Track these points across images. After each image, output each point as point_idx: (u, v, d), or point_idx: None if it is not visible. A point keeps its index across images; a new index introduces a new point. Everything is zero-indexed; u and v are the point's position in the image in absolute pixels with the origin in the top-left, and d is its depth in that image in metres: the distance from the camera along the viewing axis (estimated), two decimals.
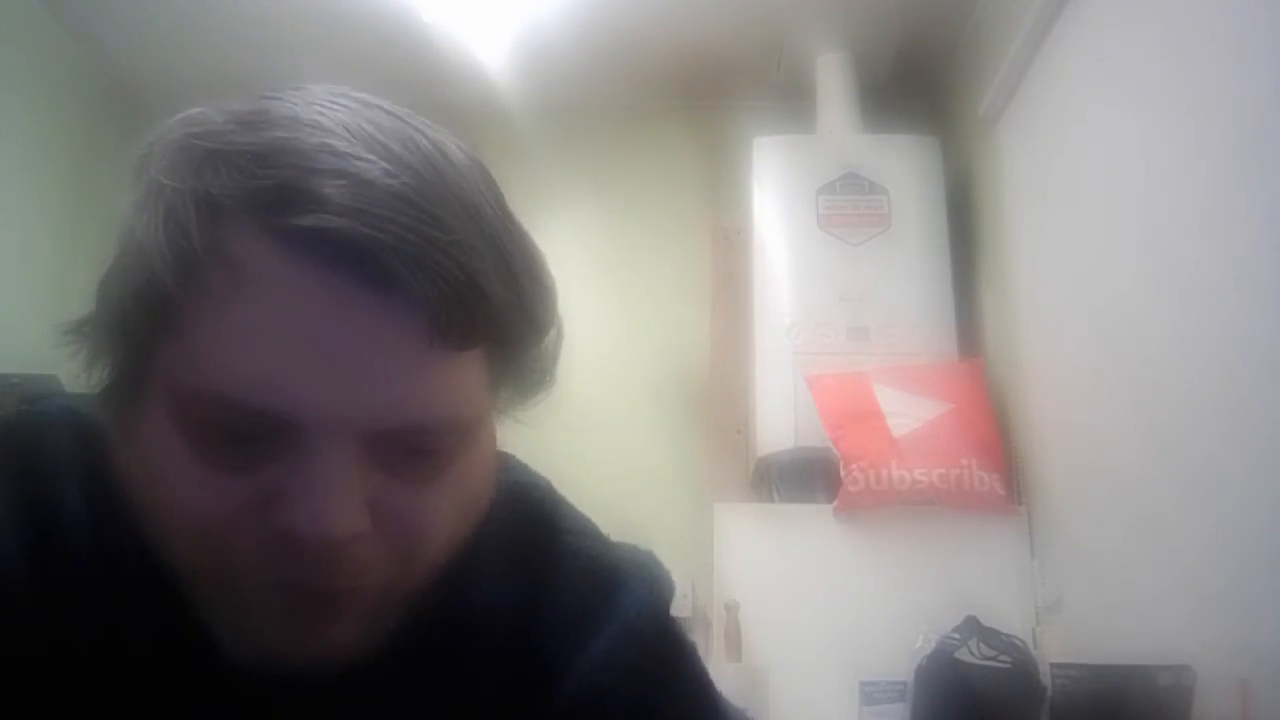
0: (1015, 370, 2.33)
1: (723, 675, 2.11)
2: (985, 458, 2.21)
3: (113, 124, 2.98)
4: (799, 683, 2.06)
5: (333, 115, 0.52)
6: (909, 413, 2.29)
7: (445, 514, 0.55)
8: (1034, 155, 2.25)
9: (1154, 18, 1.68)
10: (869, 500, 2.20)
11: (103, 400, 0.54)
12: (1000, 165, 2.45)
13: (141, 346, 0.52)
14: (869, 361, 2.40)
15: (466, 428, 0.54)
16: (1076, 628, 1.96)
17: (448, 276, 0.49)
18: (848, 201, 2.59)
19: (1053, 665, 1.68)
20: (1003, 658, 1.88)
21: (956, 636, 1.92)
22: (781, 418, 2.45)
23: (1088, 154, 1.95)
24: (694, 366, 2.90)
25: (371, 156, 0.50)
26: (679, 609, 2.84)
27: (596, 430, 2.80)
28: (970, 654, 1.90)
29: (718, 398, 2.85)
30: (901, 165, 2.63)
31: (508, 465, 0.65)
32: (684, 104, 3.08)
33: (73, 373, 0.56)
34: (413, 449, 0.52)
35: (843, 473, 2.23)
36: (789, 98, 2.89)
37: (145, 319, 0.51)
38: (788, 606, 2.17)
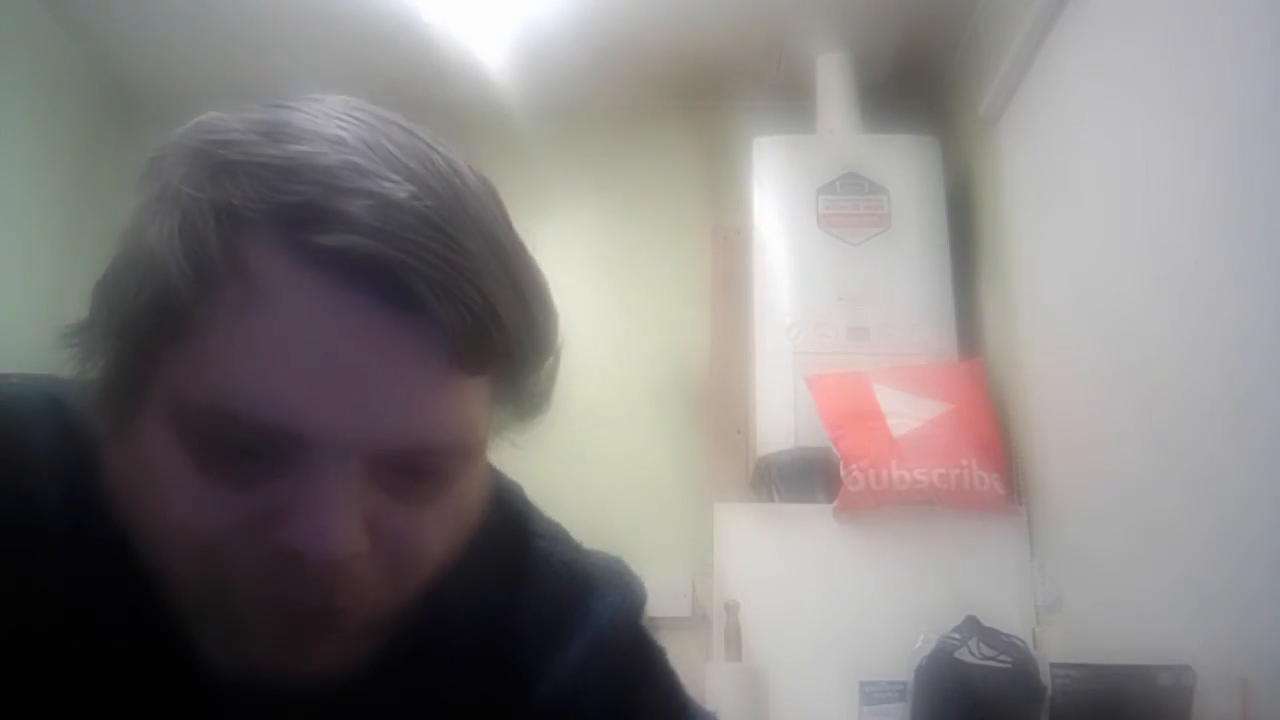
0: (1015, 370, 2.33)
1: (723, 675, 2.13)
2: (985, 458, 2.21)
3: (113, 124, 2.98)
4: (799, 683, 2.06)
5: (353, 131, 0.52)
6: (909, 413, 2.29)
7: (441, 535, 0.55)
8: (1034, 155, 2.25)
9: (1154, 18, 1.68)
10: (869, 500, 2.19)
11: (95, 402, 0.53)
12: (1000, 165, 2.45)
13: (146, 353, 0.51)
14: (869, 361, 2.40)
15: (470, 451, 0.54)
16: (1076, 628, 1.95)
17: (469, 303, 0.49)
18: (848, 201, 2.59)
19: (1053, 665, 1.68)
20: (1003, 658, 1.88)
21: (956, 636, 1.92)
22: (781, 418, 2.45)
23: (1088, 154, 1.95)
24: (694, 366, 2.90)
25: (396, 177, 0.50)
26: (679, 609, 2.87)
27: (596, 430, 2.80)
28: (970, 654, 1.90)
29: (718, 398, 2.85)
30: (901, 165, 2.63)
31: None
32: (684, 104, 3.08)
33: (73, 375, 0.54)
34: (416, 470, 0.52)
35: (843, 473, 2.23)
36: (789, 98, 2.89)
37: (154, 326, 0.50)
38: (788, 606, 2.17)
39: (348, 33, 2.74)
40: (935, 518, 2.18)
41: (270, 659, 0.53)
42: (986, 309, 2.56)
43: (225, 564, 0.50)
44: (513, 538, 0.65)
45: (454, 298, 0.49)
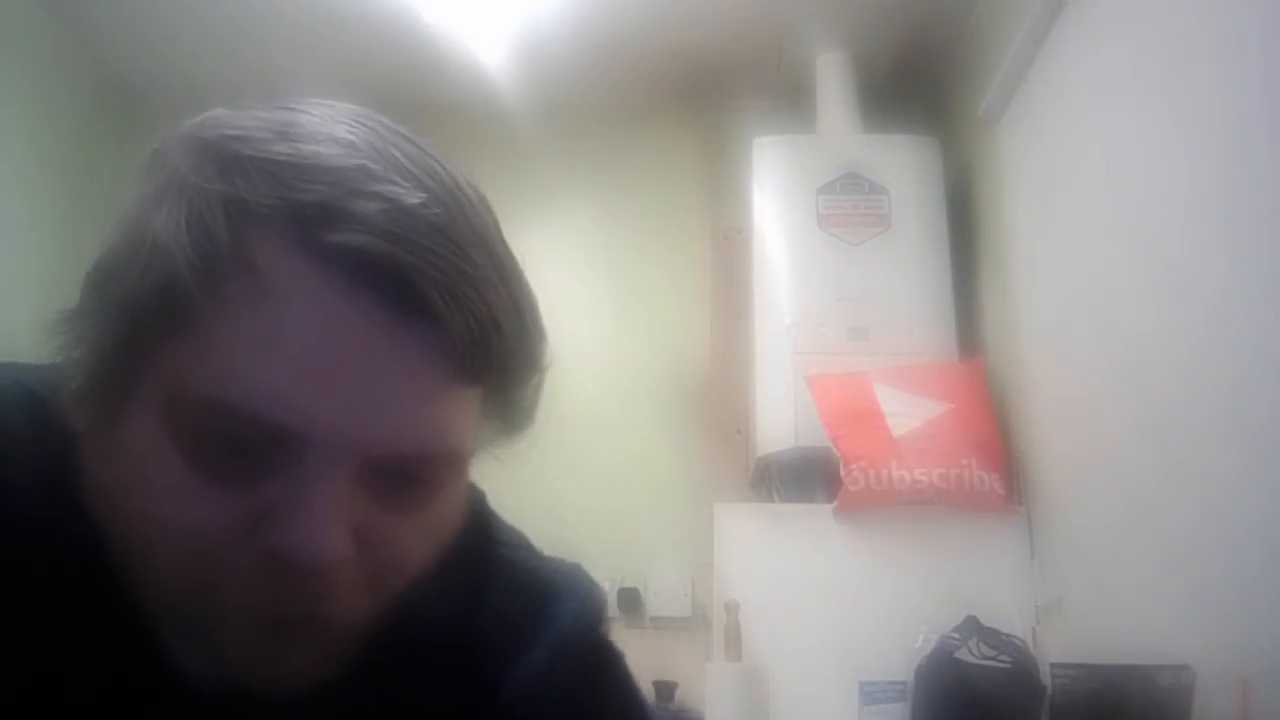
0: (1015, 370, 2.33)
1: (723, 675, 2.12)
2: (985, 458, 2.21)
3: (113, 124, 2.98)
4: (799, 683, 2.06)
5: (362, 136, 0.52)
6: (909, 412, 2.29)
7: (424, 545, 0.55)
8: (1034, 155, 2.25)
9: (1154, 18, 1.68)
10: (869, 500, 2.19)
11: (78, 392, 0.52)
12: (1000, 165, 2.45)
13: (142, 343, 0.50)
14: (869, 361, 2.40)
15: (461, 462, 0.55)
16: (1076, 628, 1.95)
17: (476, 312, 0.49)
18: (847, 201, 2.59)
19: (1053, 665, 1.68)
20: (1003, 658, 1.89)
21: (956, 636, 1.92)
22: (781, 417, 2.45)
23: (1088, 154, 1.95)
24: (694, 366, 2.90)
25: (406, 184, 0.50)
26: (679, 609, 2.87)
27: (596, 430, 2.80)
28: (970, 654, 1.90)
29: (718, 398, 2.85)
30: (901, 165, 2.63)
31: None
32: (684, 104, 3.08)
33: (52, 363, 0.53)
34: (406, 478, 0.52)
35: (843, 472, 2.23)
36: (789, 98, 2.89)
37: (154, 316, 0.49)
38: (788, 606, 2.17)
39: (348, 33, 2.74)
40: (935, 518, 2.18)
41: (245, 664, 0.52)
42: (986, 309, 2.56)
43: (208, 564, 0.49)
44: (477, 545, 0.65)
45: (462, 306, 0.49)
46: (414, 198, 0.49)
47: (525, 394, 0.57)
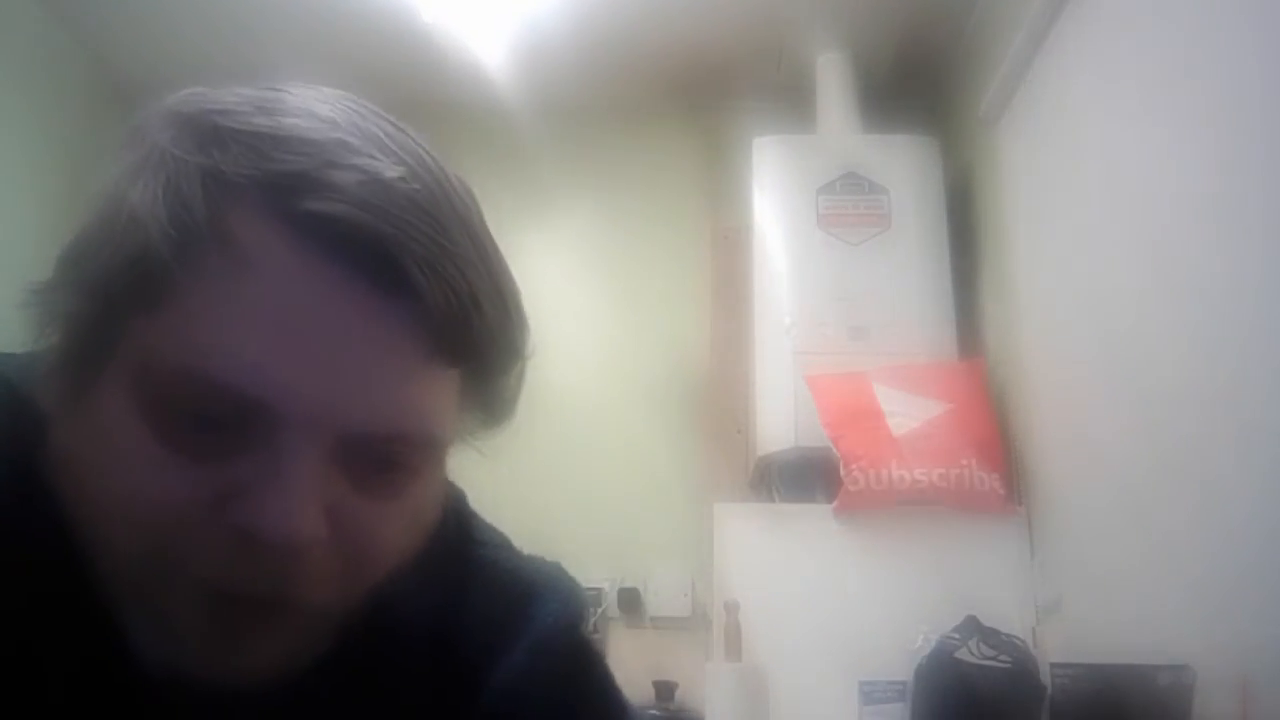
0: (1015, 370, 2.33)
1: (723, 675, 2.12)
2: (985, 458, 2.21)
3: (113, 124, 2.98)
4: (799, 683, 2.06)
5: (344, 115, 0.52)
6: (909, 412, 2.29)
7: (398, 533, 0.54)
8: (1034, 155, 2.25)
9: (1154, 17, 1.68)
10: (869, 500, 2.19)
11: (48, 368, 0.51)
12: (1000, 165, 2.45)
13: (114, 315, 0.48)
14: (869, 361, 2.40)
15: (437, 447, 0.54)
16: (1076, 628, 1.95)
17: (456, 288, 0.49)
18: (847, 201, 2.59)
19: (1053, 665, 1.68)
20: (1003, 657, 1.89)
21: (956, 636, 1.92)
22: (781, 417, 2.45)
23: (1088, 153, 1.95)
24: (694, 366, 2.90)
25: (385, 158, 0.50)
26: (679, 609, 2.86)
27: (597, 430, 2.80)
28: (970, 654, 1.90)
29: (718, 398, 2.85)
30: (901, 165, 2.63)
31: None
32: (684, 104, 3.08)
33: (24, 340, 0.52)
34: (382, 460, 0.51)
35: (843, 472, 2.23)
36: (789, 98, 2.89)
37: (128, 287, 0.48)
38: (788, 606, 2.17)
39: (347, 32, 2.74)
40: (935, 518, 2.18)
41: (209, 652, 0.50)
42: (986, 309, 2.56)
43: (173, 541, 0.48)
44: (457, 544, 0.65)
45: (441, 280, 0.48)
46: (392, 171, 0.49)
47: (506, 383, 0.56)
